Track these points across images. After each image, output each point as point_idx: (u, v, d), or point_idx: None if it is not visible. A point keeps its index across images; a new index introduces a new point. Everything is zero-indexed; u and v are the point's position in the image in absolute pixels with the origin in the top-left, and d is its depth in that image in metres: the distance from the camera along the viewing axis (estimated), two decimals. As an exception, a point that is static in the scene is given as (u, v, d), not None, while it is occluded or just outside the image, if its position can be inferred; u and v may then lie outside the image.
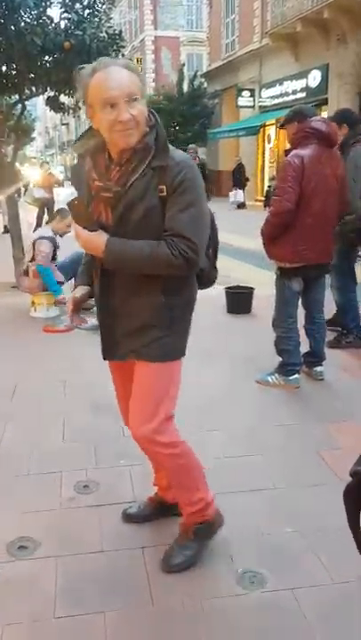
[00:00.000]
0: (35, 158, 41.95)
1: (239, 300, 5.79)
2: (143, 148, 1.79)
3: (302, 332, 3.91)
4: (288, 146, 3.64)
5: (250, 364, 4.23)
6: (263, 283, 6.95)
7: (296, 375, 3.79)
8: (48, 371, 4.18)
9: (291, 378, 3.77)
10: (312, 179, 3.40)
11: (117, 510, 2.46)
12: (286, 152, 3.57)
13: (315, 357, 3.91)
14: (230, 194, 19.66)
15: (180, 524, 2.23)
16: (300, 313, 3.88)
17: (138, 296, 1.92)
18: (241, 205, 18.99)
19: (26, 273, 5.72)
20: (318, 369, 3.91)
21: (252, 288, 5.92)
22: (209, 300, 6.13)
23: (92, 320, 5.31)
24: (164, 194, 1.79)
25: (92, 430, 3.23)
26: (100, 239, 1.82)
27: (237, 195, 19.40)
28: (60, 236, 5.74)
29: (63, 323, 5.36)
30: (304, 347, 3.90)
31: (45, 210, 12.64)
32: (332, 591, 2.02)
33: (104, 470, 2.79)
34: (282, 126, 3.70)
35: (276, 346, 3.83)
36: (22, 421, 3.34)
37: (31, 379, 4.02)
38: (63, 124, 61.59)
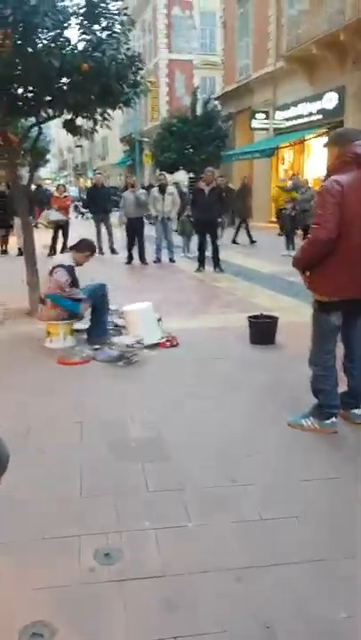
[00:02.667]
0: (49, 179, 42.23)
1: (263, 330, 5.50)
2: None
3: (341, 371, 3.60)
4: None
5: (278, 403, 3.92)
6: (285, 309, 6.69)
7: (333, 419, 3.46)
8: (63, 409, 3.89)
9: (327, 422, 3.45)
10: (352, 206, 3.12)
11: (143, 587, 2.15)
12: (325, 177, 3.30)
13: (354, 398, 3.58)
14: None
15: None
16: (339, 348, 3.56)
17: None
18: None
19: (42, 301, 5.49)
20: (357, 411, 3.58)
21: (275, 317, 5.62)
22: (231, 330, 5.88)
23: (109, 351, 5.07)
24: None
25: (111, 481, 2.92)
26: None
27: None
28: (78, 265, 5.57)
29: (79, 354, 5.09)
30: (342, 386, 3.58)
31: (60, 232, 12.52)
32: None
33: (127, 534, 2.48)
34: (325, 146, 3.43)
35: (312, 385, 3.52)
36: (36, 470, 3.05)
37: (46, 418, 3.74)
38: (77, 147, 62.20)
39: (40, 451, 3.26)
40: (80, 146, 59.70)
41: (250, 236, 14.39)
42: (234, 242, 14.34)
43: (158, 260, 11.20)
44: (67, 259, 5.58)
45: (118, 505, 2.70)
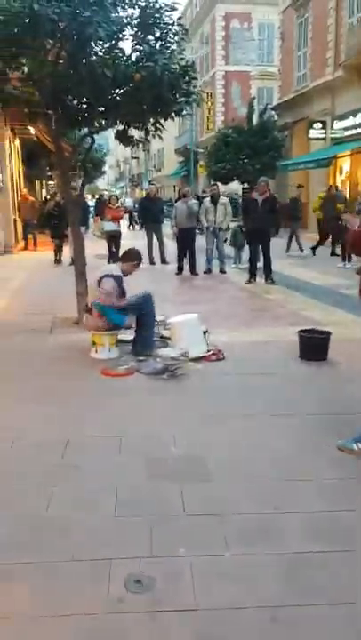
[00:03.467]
0: (106, 190, 43.03)
1: (315, 346, 5.27)
2: None
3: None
4: None
5: (327, 425, 3.70)
6: (340, 324, 6.42)
7: (387, 444, 3.23)
8: (104, 422, 3.81)
9: (380, 447, 3.22)
10: None
11: (173, 621, 2.01)
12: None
13: None
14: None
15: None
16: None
17: None
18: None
19: (89, 310, 5.47)
20: None
21: (328, 332, 5.38)
22: (280, 345, 5.68)
23: (154, 363, 4.98)
24: None
25: (148, 502, 2.80)
26: None
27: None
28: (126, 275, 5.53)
29: (123, 365, 5.03)
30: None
31: (113, 242, 12.65)
32: None
33: (160, 561, 2.35)
34: None
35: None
36: (71, 486, 2.97)
37: (85, 431, 3.67)
38: (134, 158, 63.15)
39: (76, 467, 3.18)
40: (136, 157, 60.57)
41: (300, 245, 14.17)
42: (288, 251, 14.14)
43: (209, 271, 11.08)
44: (114, 268, 5.55)
45: (153, 528, 2.58)
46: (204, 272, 11.01)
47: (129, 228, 20.54)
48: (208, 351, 5.26)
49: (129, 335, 5.59)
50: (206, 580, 2.24)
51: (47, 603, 2.13)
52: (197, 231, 11.57)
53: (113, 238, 12.67)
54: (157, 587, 2.20)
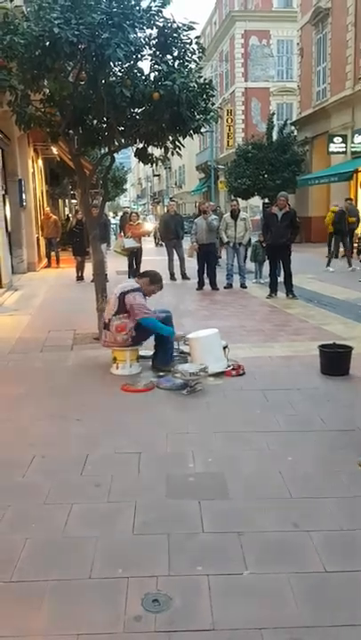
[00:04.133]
0: (128, 208, 43.53)
1: (336, 360, 5.21)
2: None
3: None
4: None
5: (349, 442, 3.64)
6: (362, 339, 6.34)
7: None
8: (123, 438, 3.80)
9: None
10: None
11: (192, 641, 1.98)
12: None
13: None
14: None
15: None
16: None
17: None
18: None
19: (106, 326, 5.47)
20: None
21: (350, 347, 5.32)
22: (301, 359, 5.62)
23: (173, 379, 4.96)
24: None
25: (166, 520, 2.78)
26: None
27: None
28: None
29: (143, 381, 5.03)
30: None
31: (134, 258, 12.75)
32: None
33: (178, 579, 2.32)
34: None
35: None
36: (90, 503, 2.96)
37: (104, 447, 3.66)
38: (155, 176, 63.81)
39: (94, 483, 3.17)
40: (158, 175, 61.23)
41: (349, 260, 13.97)
42: (329, 265, 13.97)
43: (229, 286, 11.07)
44: (133, 283, 5.53)
45: (171, 546, 2.55)
46: (225, 287, 11.01)
47: (156, 245, 20.44)
48: (228, 366, 5.23)
49: (149, 351, 5.60)
50: (224, 599, 2.21)
51: (64, 621, 2.11)
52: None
53: (133, 254, 12.77)
54: (175, 606, 2.17)
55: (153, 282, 5.55)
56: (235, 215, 11.12)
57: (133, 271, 12.22)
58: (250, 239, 11.45)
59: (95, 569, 2.40)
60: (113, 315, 5.37)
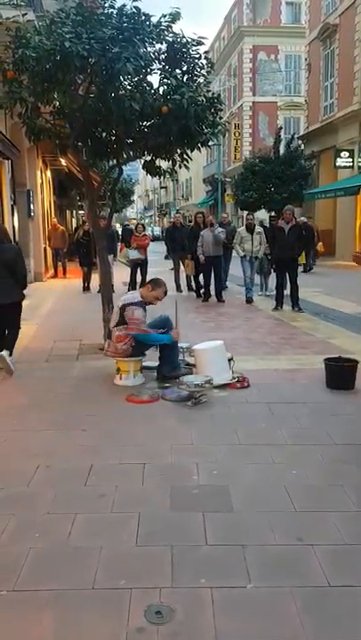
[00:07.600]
0: (134, 219, 43.73)
1: (342, 374, 5.20)
2: None
3: None
4: None
5: (354, 455, 3.63)
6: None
7: None
8: (127, 449, 3.81)
9: None
10: None
11: (195, 654, 1.97)
12: None
13: None
14: None
15: None
16: None
17: None
18: None
19: (109, 335, 5.50)
20: None
21: (356, 360, 5.31)
22: (307, 373, 5.61)
23: (178, 390, 4.96)
24: None
25: (170, 531, 2.77)
26: None
27: None
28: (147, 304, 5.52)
29: (148, 392, 5.03)
30: None
31: (138, 269, 12.78)
32: None
33: (181, 591, 2.31)
34: None
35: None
36: (93, 513, 2.96)
37: (108, 458, 3.67)
38: (162, 188, 64.14)
39: (99, 494, 3.17)
40: (165, 187, 61.53)
41: None
42: None
43: (251, 300, 10.90)
44: (136, 296, 5.55)
45: (175, 557, 2.54)
46: (246, 301, 10.85)
47: (166, 257, 20.35)
48: (233, 379, 5.23)
49: (154, 362, 5.61)
50: (227, 612, 2.19)
51: (66, 631, 2.11)
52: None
53: (137, 266, 12.80)
54: (177, 618, 2.16)
55: (154, 287, 5.55)
56: (251, 229, 11.12)
57: (134, 284, 12.27)
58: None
59: (98, 579, 2.40)
60: (114, 326, 5.41)
